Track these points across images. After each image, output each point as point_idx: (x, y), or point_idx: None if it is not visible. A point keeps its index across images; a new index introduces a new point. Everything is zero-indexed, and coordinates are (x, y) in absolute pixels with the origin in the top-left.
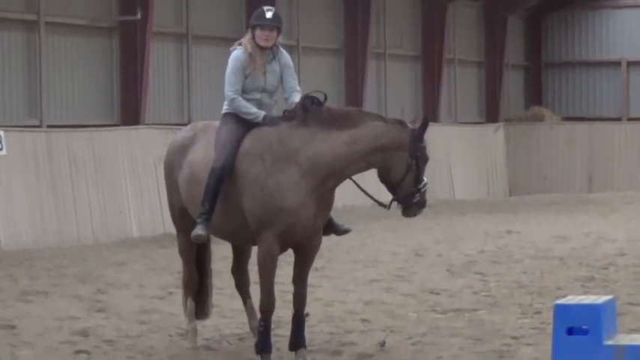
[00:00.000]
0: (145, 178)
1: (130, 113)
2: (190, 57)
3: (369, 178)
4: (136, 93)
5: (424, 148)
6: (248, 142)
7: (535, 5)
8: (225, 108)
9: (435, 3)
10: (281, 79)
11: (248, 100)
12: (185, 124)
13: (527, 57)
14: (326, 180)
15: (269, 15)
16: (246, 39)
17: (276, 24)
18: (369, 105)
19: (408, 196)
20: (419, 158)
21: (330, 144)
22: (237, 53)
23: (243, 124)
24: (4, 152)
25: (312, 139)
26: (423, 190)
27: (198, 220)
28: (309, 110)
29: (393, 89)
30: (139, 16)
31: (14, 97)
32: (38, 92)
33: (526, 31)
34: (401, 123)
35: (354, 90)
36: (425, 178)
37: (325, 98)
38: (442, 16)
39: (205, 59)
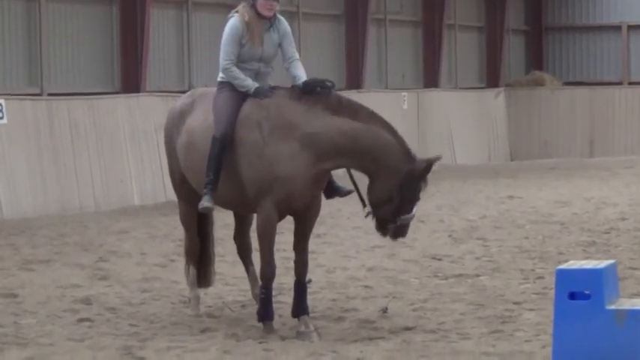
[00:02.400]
0: (146, 145)
1: (131, 81)
2: (190, 24)
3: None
4: (136, 60)
5: (414, 180)
6: (246, 109)
7: None
8: (220, 76)
9: None
10: (279, 47)
11: (245, 69)
12: (186, 92)
13: (527, 21)
14: (320, 160)
15: None
16: (243, 7)
17: None
18: (370, 71)
19: (382, 220)
20: (405, 195)
21: (327, 128)
22: (233, 22)
23: (240, 92)
24: (4, 121)
25: (312, 118)
26: (399, 224)
27: (204, 191)
28: (318, 93)
29: (393, 55)
30: None
31: (14, 66)
32: (38, 60)
33: None
34: (407, 152)
35: (354, 56)
36: (411, 214)
37: (333, 85)
38: None
39: (205, 26)
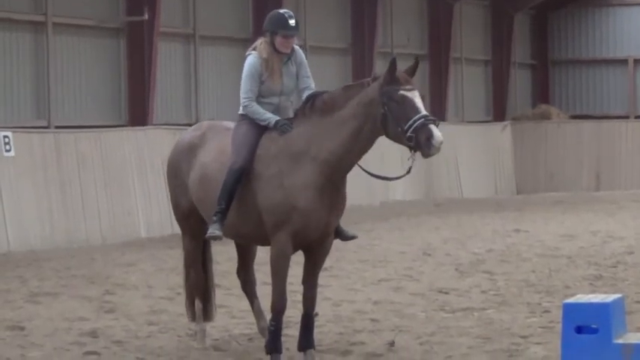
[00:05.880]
0: (152, 178)
1: (138, 114)
2: (197, 57)
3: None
4: (143, 93)
5: (392, 91)
6: (263, 144)
7: (541, 3)
8: (241, 109)
9: (442, 2)
10: (297, 78)
11: (266, 104)
12: (193, 125)
13: (533, 55)
14: (339, 168)
15: (292, 22)
16: (260, 43)
17: (297, 32)
18: None
19: (406, 140)
20: (389, 102)
21: (329, 132)
22: (252, 59)
23: (259, 125)
24: (12, 153)
25: (315, 133)
26: (412, 129)
27: (214, 219)
28: (307, 101)
29: None
30: (146, 16)
31: (22, 99)
32: (46, 93)
33: (532, 29)
34: (376, 78)
35: None
36: (416, 116)
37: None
38: (449, 14)
39: (212, 59)
